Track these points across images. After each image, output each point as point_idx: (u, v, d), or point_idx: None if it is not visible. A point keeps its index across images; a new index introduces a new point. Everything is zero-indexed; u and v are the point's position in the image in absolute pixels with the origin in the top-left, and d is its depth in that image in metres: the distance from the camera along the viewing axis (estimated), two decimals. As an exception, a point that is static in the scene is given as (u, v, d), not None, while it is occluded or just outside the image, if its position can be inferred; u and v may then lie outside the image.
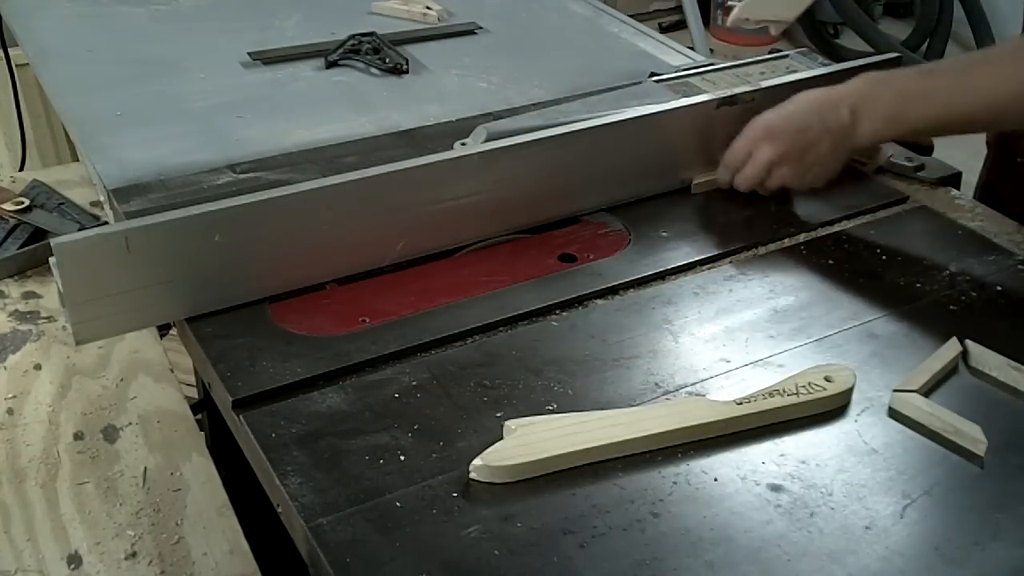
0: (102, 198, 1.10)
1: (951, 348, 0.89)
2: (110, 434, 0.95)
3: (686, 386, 0.86)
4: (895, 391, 0.84)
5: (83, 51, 1.38)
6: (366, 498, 0.74)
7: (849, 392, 0.84)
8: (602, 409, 0.83)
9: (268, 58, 1.37)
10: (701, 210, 1.12)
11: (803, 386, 0.82)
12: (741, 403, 0.81)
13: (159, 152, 1.13)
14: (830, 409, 0.83)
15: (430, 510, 0.73)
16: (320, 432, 0.80)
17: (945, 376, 0.88)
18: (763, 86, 1.14)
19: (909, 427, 0.82)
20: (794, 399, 0.82)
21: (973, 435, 0.80)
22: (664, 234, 1.07)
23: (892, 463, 0.79)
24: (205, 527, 0.86)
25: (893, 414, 0.84)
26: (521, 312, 0.94)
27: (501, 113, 1.23)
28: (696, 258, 1.03)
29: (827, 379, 0.83)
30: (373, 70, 1.36)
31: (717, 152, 1.13)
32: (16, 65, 1.86)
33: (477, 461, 0.76)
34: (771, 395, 0.82)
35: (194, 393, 1.46)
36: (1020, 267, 1.03)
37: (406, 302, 0.95)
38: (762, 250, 1.06)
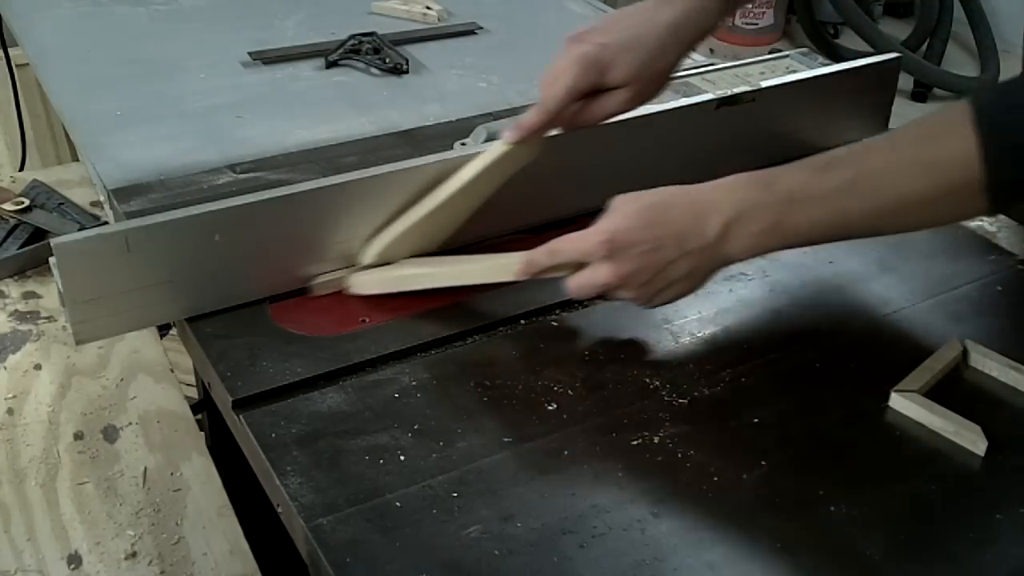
0: (102, 198, 1.10)
1: (951, 348, 0.89)
2: (110, 434, 0.95)
3: (686, 386, 0.86)
4: (895, 391, 0.84)
5: (83, 51, 1.38)
6: (366, 498, 0.74)
7: None
8: (601, 408, 0.83)
9: (268, 58, 1.37)
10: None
11: None
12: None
13: (159, 152, 1.13)
14: None
15: (430, 510, 0.73)
16: (320, 432, 0.80)
17: (945, 376, 0.88)
18: (763, 86, 1.14)
19: (909, 427, 0.82)
20: None
21: (973, 435, 0.80)
22: (664, 234, 1.06)
23: (892, 463, 0.79)
24: (205, 527, 0.86)
25: (893, 414, 0.84)
26: (521, 312, 0.94)
27: (501, 113, 1.23)
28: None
29: None
30: (373, 70, 1.36)
31: (715, 153, 1.13)
32: (16, 65, 1.85)
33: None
34: None
35: (194, 393, 1.46)
36: (1020, 267, 1.03)
37: (406, 302, 0.95)
38: (762, 250, 1.05)
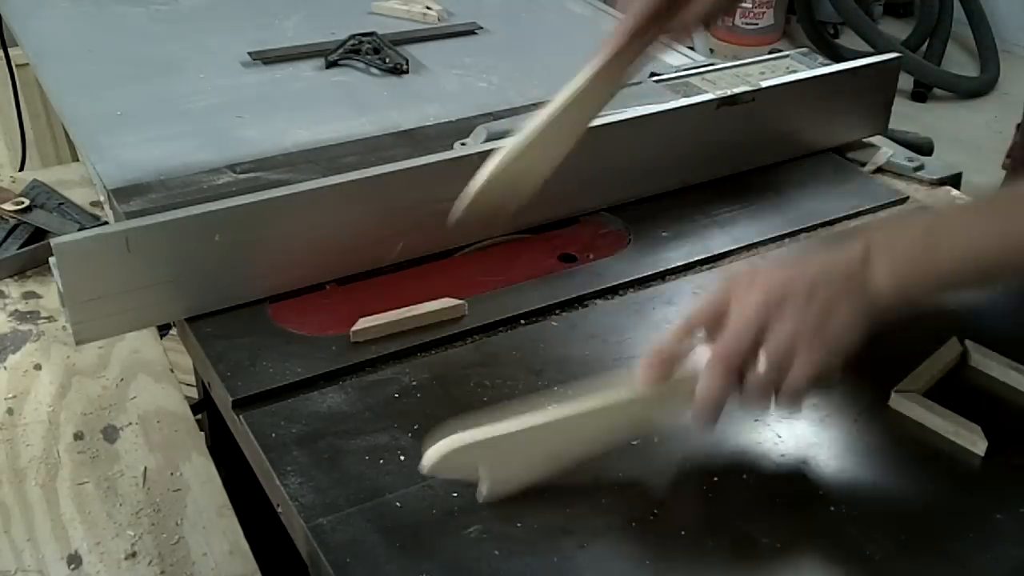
0: (102, 198, 1.10)
1: (951, 348, 0.89)
2: (110, 434, 0.95)
3: (686, 386, 0.86)
4: (895, 391, 0.84)
5: (83, 51, 1.38)
6: (366, 498, 0.74)
7: None
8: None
9: (268, 58, 1.37)
10: (701, 210, 1.12)
11: None
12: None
13: (159, 152, 1.13)
14: None
15: (430, 510, 0.73)
16: (320, 432, 0.80)
17: (945, 376, 0.88)
18: (763, 86, 1.14)
19: (909, 427, 0.82)
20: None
21: (973, 435, 0.80)
22: (664, 234, 1.07)
23: (892, 463, 0.79)
24: (205, 527, 0.86)
25: (893, 414, 0.84)
26: (521, 312, 0.94)
27: (501, 113, 1.23)
28: (696, 258, 1.03)
29: None
30: (373, 70, 1.36)
31: (715, 153, 1.13)
32: (16, 65, 1.85)
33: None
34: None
35: (194, 393, 1.46)
36: (1020, 267, 1.03)
37: (406, 302, 0.95)
38: (762, 250, 1.06)
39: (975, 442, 0.79)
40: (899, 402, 0.84)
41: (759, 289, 0.71)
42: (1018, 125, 1.43)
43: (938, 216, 0.73)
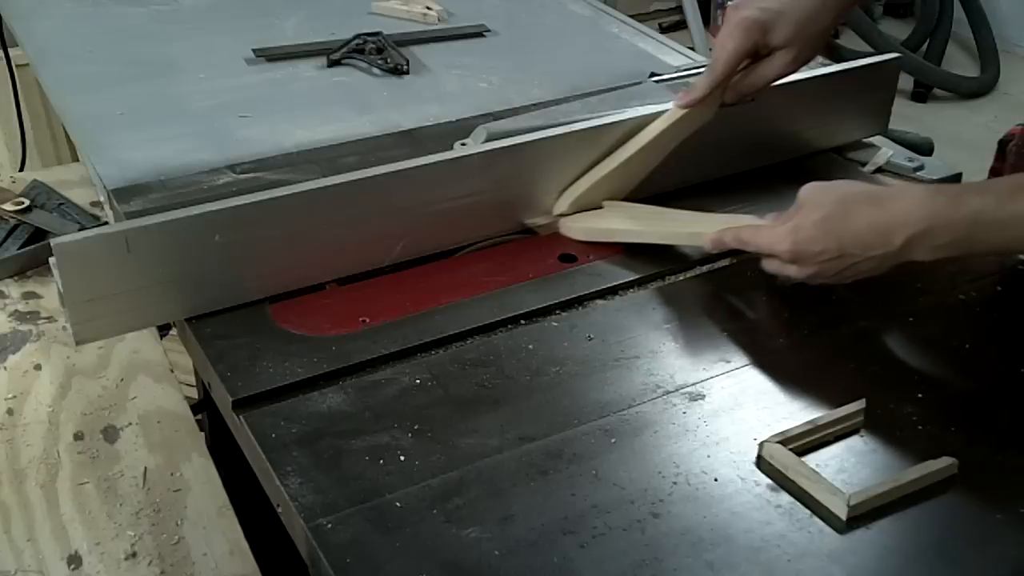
0: (102, 198, 1.10)
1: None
2: (110, 434, 0.95)
3: (686, 386, 0.86)
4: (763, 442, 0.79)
5: (83, 51, 1.38)
6: (366, 498, 0.74)
7: None
8: (601, 410, 0.83)
9: (272, 55, 1.37)
10: (701, 210, 1.11)
11: None
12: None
13: (159, 152, 1.13)
14: None
15: (430, 510, 0.73)
16: (320, 432, 0.80)
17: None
18: (763, 86, 1.14)
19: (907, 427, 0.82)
20: None
21: (837, 499, 0.74)
22: (664, 234, 1.06)
23: (892, 463, 0.79)
24: (205, 527, 0.86)
25: (894, 413, 0.83)
26: (521, 312, 0.94)
27: (501, 113, 1.23)
28: (696, 257, 1.03)
29: None
30: (374, 70, 1.36)
31: (715, 153, 1.13)
32: (16, 65, 1.85)
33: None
34: None
35: (194, 393, 1.46)
36: (1020, 267, 1.03)
37: (406, 302, 0.95)
38: (762, 250, 1.05)
39: (839, 506, 0.74)
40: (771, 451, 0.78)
41: (803, 266, 0.89)
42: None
43: (981, 213, 0.82)
